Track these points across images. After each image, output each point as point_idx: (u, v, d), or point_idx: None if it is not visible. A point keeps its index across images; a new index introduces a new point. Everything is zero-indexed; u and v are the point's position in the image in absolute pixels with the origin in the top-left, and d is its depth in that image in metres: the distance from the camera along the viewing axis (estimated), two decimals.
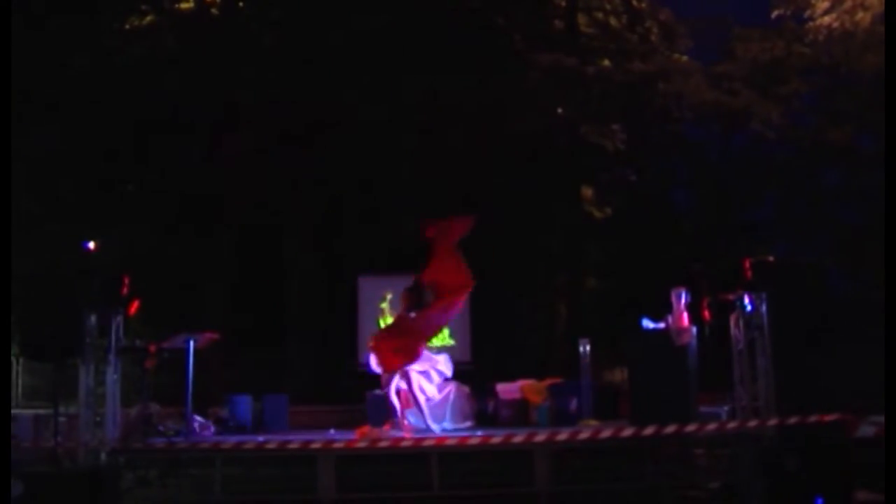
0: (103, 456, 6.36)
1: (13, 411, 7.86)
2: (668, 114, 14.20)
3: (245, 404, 9.15)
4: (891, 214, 5.66)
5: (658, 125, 14.42)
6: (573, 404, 8.65)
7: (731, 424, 6.62)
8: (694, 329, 7.40)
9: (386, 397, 7.66)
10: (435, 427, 7.51)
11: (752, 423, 6.32)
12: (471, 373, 11.01)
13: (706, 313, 7.17)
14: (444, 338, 12.10)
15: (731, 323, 6.82)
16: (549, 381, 9.30)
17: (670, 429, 6.38)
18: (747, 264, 6.62)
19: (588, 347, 8.89)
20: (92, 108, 11.81)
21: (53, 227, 10.94)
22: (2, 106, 6.25)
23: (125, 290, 6.69)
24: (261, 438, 7.20)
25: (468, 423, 9.22)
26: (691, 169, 15.28)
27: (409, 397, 7.64)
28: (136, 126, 11.93)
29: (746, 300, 6.56)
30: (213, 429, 8.10)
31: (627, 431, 6.60)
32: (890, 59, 6.28)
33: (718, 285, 6.96)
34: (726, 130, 14.63)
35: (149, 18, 13.16)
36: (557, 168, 13.83)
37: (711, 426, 6.51)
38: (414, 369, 7.41)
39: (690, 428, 6.44)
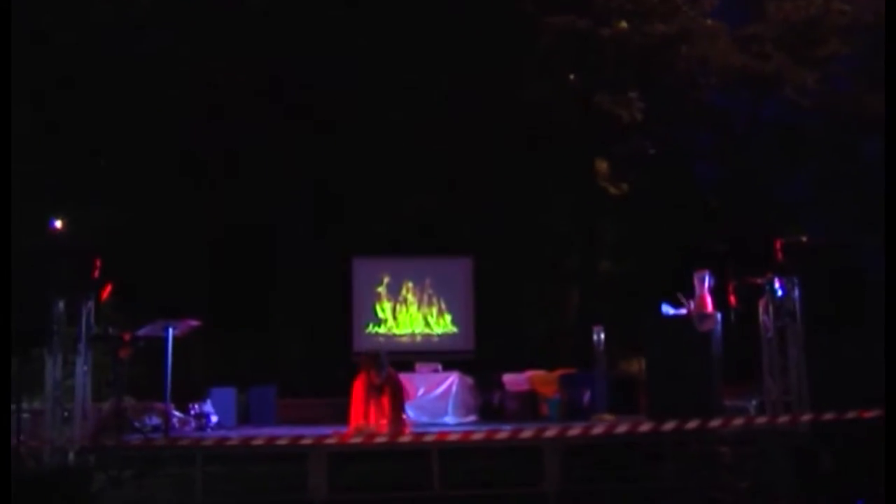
0: (71, 455, 6.34)
1: None
2: (691, 80, 14.05)
3: (229, 397, 9.25)
4: (891, 214, 5.77)
5: (680, 92, 14.26)
6: (586, 397, 8.76)
7: (760, 420, 6.64)
8: (718, 315, 7.40)
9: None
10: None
11: (784, 419, 6.33)
12: (475, 363, 11.10)
13: (732, 298, 7.19)
14: (445, 324, 12.14)
15: (760, 309, 6.82)
16: (559, 372, 9.37)
17: (693, 424, 6.39)
18: (778, 245, 6.67)
19: (602, 335, 8.98)
20: (59, 73, 11.68)
21: (15, 204, 10.87)
22: (2, 106, 6.34)
23: (96, 273, 6.67)
24: (246, 434, 7.23)
25: (472, 418, 9.34)
26: (716, 140, 15.15)
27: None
28: (109, 93, 11.77)
29: (777, 284, 6.61)
30: (193, 424, 8.17)
31: (645, 427, 6.61)
32: (890, 59, 6.40)
33: (746, 267, 6.97)
34: (755, 98, 14.49)
35: None
36: (569, 140, 13.73)
37: (738, 422, 6.55)
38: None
39: (715, 423, 6.47)
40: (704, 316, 7.36)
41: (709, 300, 7.48)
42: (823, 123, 14.43)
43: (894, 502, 4.86)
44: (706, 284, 7.51)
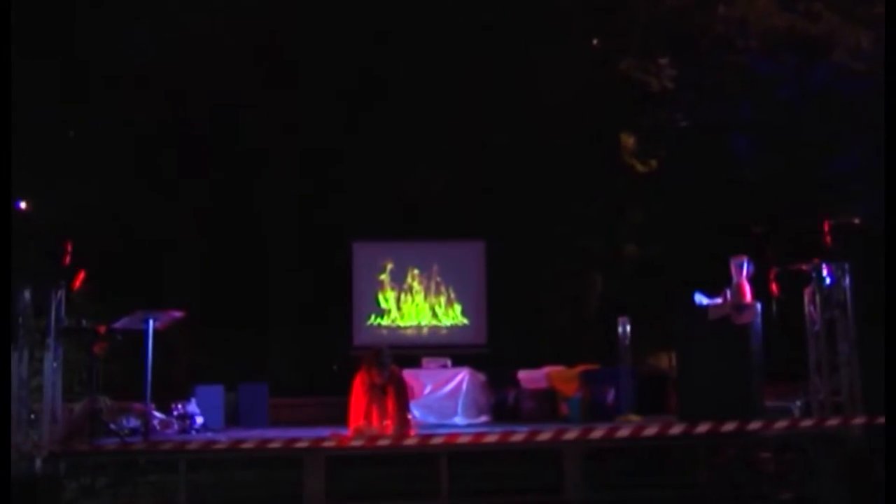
0: (39, 462, 6.30)
1: None
2: (728, 43, 13.84)
3: (216, 396, 9.28)
4: (891, 213, 5.85)
5: (716, 57, 14.07)
6: (610, 396, 8.76)
7: (806, 423, 6.60)
8: (759, 306, 7.33)
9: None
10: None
11: (833, 422, 6.31)
12: (487, 358, 11.14)
13: (774, 287, 7.17)
14: (455, 316, 12.14)
15: (806, 299, 6.83)
16: (581, 368, 9.39)
17: (729, 427, 6.37)
18: (826, 227, 6.67)
19: (628, 327, 8.93)
20: (20, 33, 11.59)
21: None
22: (2, 106, 6.41)
23: (67, 260, 6.65)
24: (235, 436, 7.21)
25: (484, 418, 9.38)
26: (757, 111, 14.95)
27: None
28: (80, 52, 11.71)
29: (825, 271, 6.59)
30: (176, 426, 8.16)
31: (676, 429, 6.59)
32: (890, 59, 6.50)
33: (790, 253, 7.00)
34: (801, 62, 14.27)
35: None
36: (591, 112, 13.60)
37: (781, 424, 6.50)
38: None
39: (754, 426, 6.44)
40: (742, 306, 7.27)
41: (747, 289, 7.41)
42: (879, 91, 14.20)
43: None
44: (744, 271, 7.45)
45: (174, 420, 8.26)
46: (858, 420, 6.15)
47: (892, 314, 5.59)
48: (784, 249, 7.08)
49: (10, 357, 5.97)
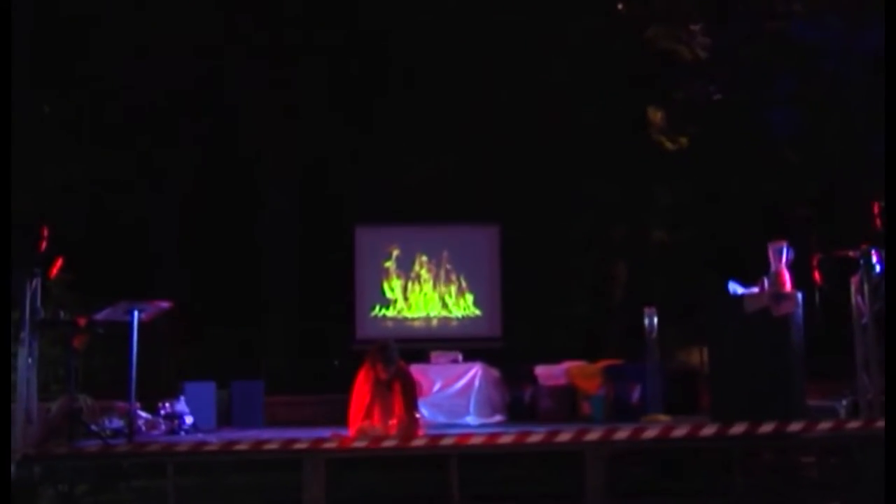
0: (13, 466, 6.29)
1: None
2: (768, 8, 13.76)
3: (207, 394, 9.34)
4: (891, 212, 5.96)
5: (754, 24, 13.94)
6: (636, 394, 8.78)
7: (853, 424, 6.59)
8: (800, 296, 7.29)
9: None
10: None
11: (882, 423, 6.21)
12: (502, 352, 11.16)
13: (817, 275, 7.19)
14: (466, 306, 12.15)
15: (853, 288, 6.82)
16: (604, 363, 9.40)
17: (767, 428, 6.38)
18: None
19: (655, 319, 8.89)
20: None
21: None
22: (2, 106, 6.52)
23: (43, 245, 6.69)
24: (228, 438, 7.25)
25: (498, 418, 9.40)
26: (799, 82, 14.82)
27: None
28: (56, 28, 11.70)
29: (874, 258, 6.56)
30: (163, 426, 8.16)
31: (708, 430, 6.59)
32: (890, 59, 6.64)
33: (835, 238, 6.87)
34: (849, 28, 14.11)
35: None
36: (616, 85, 13.52)
37: (824, 426, 6.47)
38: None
39: (795, 427, 6.42)
40: (782, 296, 7.23)
41: (787, 277, 7.39)
42: None
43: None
44: (784, 258, 7.42)
45: (161, 420, 8.26)
46: None
47: (892, 314, 5.62)
48: (828, 234, 6.98)
49: (10, 356, 5.97)
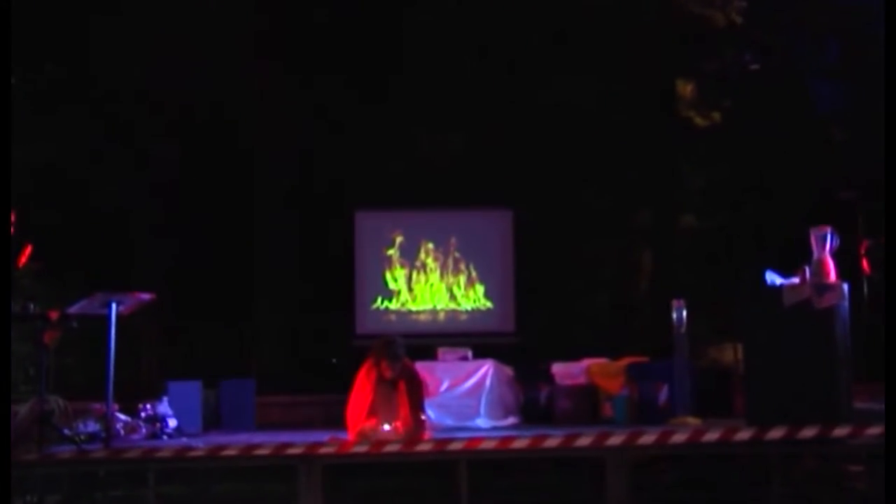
0: None
1: None
2: None
3: (193, 394, 9.35)
4: (891, 212, 6.06)
5: None
6: (663, 394, 8.81)
7: None
8: (845, 287, 7.25)
9: None
10: None
11: None
12: (515, 348, 11.16)
13: (865, 263, 7.40)
14: (477, 298, 12.17)
15: None
16: (627, 361, 9.45)
17: (809, 433, 6.35)
18: None
19: (685, 313, 8.88)
20: None
21: None
22: (2, 106, 6.65)
23: (11, 231, 6.83)
24: (216, 442, 7.24)
25: (511, 420, 9.42)
26: (844, 51, 14.74)
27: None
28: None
29: None
30: (144, 430, 8.18)
31: (743, 435, 6.57)
32: (890, 58, 6.71)
33: (884, 223, 6.76)
34: None
35: None
36: (642, 54, 13.47)
37: (873, 431, 6.40)
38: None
39: (840, 432, 6.40)
40: (825, 287, 7.17)
41: (831, 266, 7.31)
42: None
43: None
44: (828, 245, 7.34)
45: (142, 423, 8.26)
46: None
47: (892, 314, 5.68)
48: (876, 219, 6.93)
49: (10, 355, 5.95)
